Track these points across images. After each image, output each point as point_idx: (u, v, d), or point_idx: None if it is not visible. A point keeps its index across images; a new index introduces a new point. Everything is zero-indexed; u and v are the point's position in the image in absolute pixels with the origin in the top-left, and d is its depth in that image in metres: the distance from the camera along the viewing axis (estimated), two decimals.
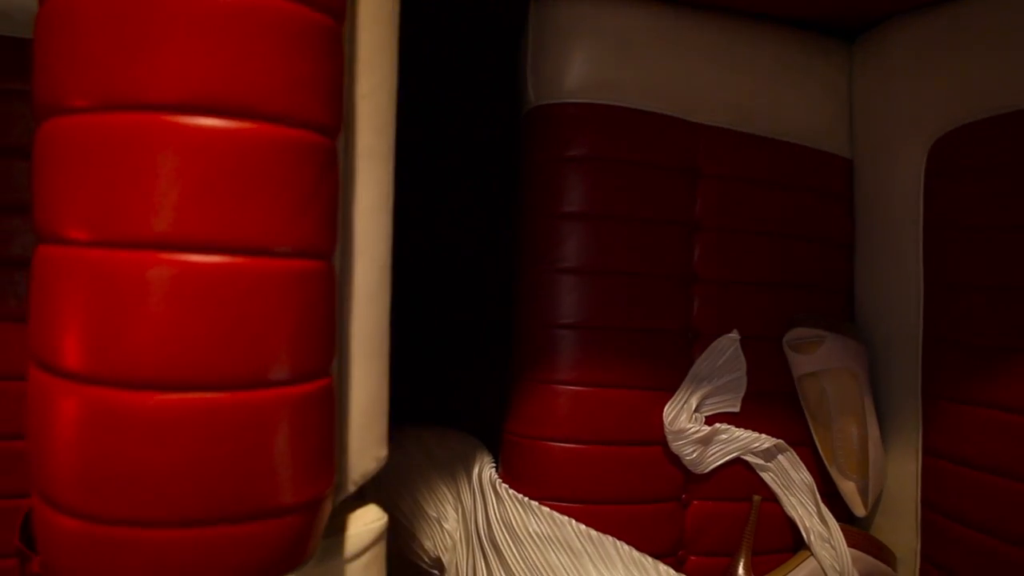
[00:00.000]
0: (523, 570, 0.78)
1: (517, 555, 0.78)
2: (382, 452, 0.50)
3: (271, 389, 0.39)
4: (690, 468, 0.82)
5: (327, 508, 0.44)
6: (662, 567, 0.78)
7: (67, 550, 0.39)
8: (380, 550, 0.50)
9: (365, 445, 0.49)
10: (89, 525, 0.38)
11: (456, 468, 0.89)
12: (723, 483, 0.84)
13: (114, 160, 0.36)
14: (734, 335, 0.84)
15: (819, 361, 0.82)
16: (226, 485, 0.38)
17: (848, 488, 0.86)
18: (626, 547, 0.78)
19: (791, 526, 0.86)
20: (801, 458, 0.85)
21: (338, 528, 0.48)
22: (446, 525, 0.90)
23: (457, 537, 0.88)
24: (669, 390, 0.82)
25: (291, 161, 0.39)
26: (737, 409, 0.84)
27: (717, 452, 0.82)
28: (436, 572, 0.91)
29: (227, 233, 0.37)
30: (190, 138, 0.36)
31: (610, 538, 0.78)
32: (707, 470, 0.83)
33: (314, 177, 0.40)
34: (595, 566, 0.77)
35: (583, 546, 0.77)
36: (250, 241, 0.37)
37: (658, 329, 0.83)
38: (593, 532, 0.78)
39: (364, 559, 0.49)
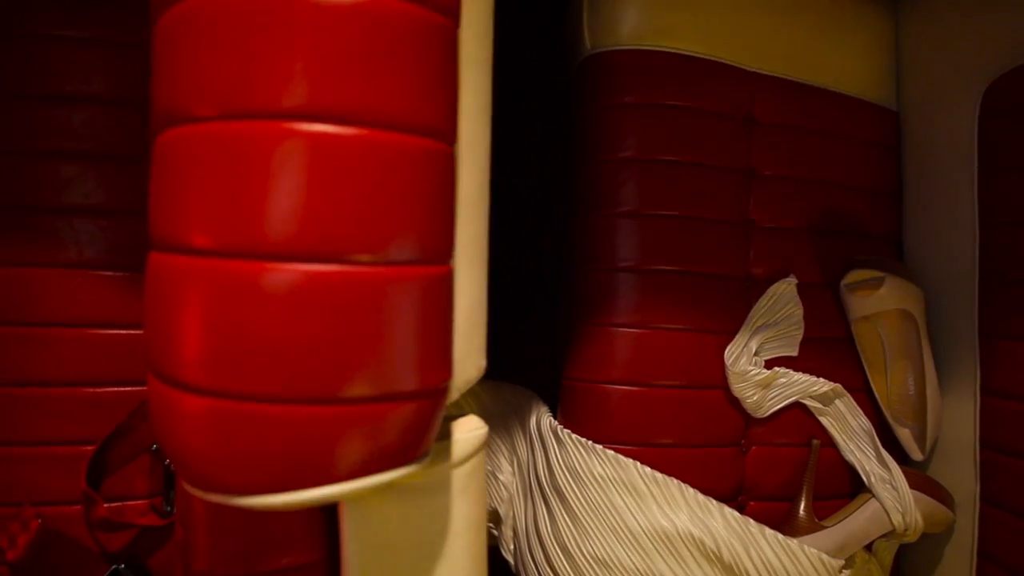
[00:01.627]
0: (587, 513, 0.78)
1: (581, 498, 0.78)
2: (483, 362, 0.50)
3: (400, 267, 0.38)
4: (750, 412, 0.82)
5: (444, 402, 0.43)
6: (727, 510, 0.78)
7: (195, 430, 0.38)
8: (481, 459, 0.49)
9: (468, 352, 0.48)
10: (218, 402, 0.37)
11: (510, 420, 0.89)
12: (782, 428, 0.84)
13: None
14: (791, 280, 0.84)
15: (878, 303, 0.83)
16: (355, 362, 0.38)
17: (904, 434, 0.86)
18: (691, 490, 0.78)
19: (849, 472, 0.86)
20: (858, 404, 0.85)
21: (443, 434, 0.48)
22: (501, 477, 0.89)
23: (513, 489, 0.88)
24: (728, 334, 0.82)
25: (421, 43, 0.39)
26: (795, 353, 0.84)
27: (776, 396, 0.82)
28: (491, 525, 0.91)
29: (361, 104, 0.37)
30: None
31: (675, 480, 0.78)
32: (766, 414, 0.82)
33: (441, 62, 0.40)
34: (660, 508, 0.77)
35: (648, 488, 0.77)
36: (384, 115, 0.37)
37: (716, 274, 0.83)
38: (658, 474, 0.77)
39: (468, 466, 0.48)
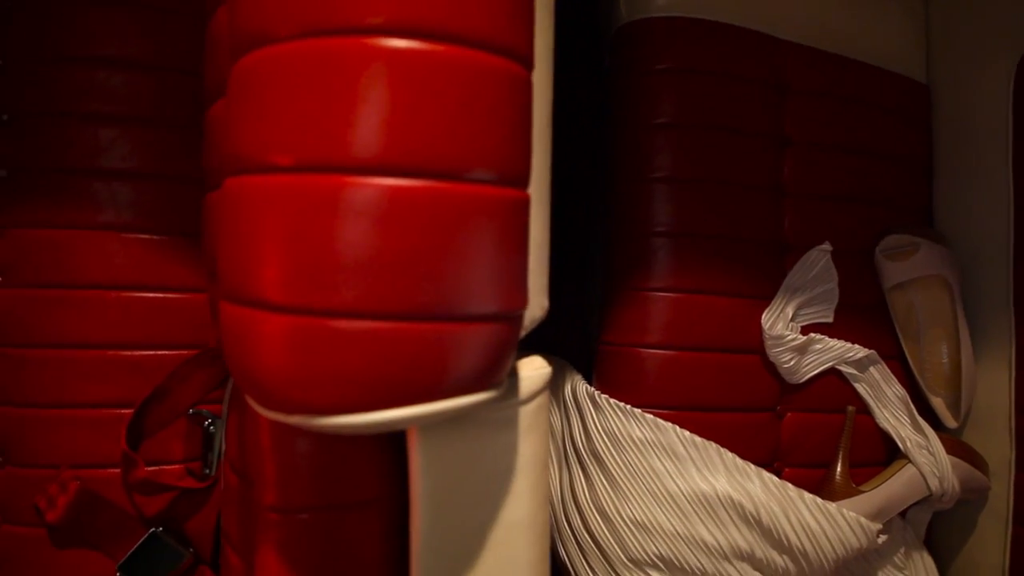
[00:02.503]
0: (626, 477, 0.78)
1: (620, 462, 0.78)
2: (546, 302, 0.50)
3: (482, 186, 0.39)
4: (786, 377, 0.82)
5: (520, 330, 0.43)
6: (765, 474, 0.78)
7: (276, 349, 0.38)
8: (546, 399, 0.49)
9: (535, 290, 0.48)
10: (300, 319, 0.37)
11: None
12: (817, 394, 0.84)
13: None
14: (826, 247, 0.84)
15: (913, 269, 0.83)
16: (437, 279, 0.38)
17: (937, 402, 0.86)
18: (729, 454, 0.78)
19: (884, 440, 0.86)
20: (892, 372, 0.85)
21: (510, 371, 0.48)
22: None
23: None
24: (764, 299, 0.83)
25: None
26: (830, 320, 0.84)
27: (812, 362, 0.83)
28: None
29: (447, 20, 0.37)
30: None
31: (714, 445, 0.78)
32: (802, 380, 0.83)
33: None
34: (699, 471, 0.77)
35: (687, 452, 0.77)
36: (471, 33, 0.37)
37: (751, 239, 0.83)
38: (697, 438, 0.77)
39: (535, 403, 0.48)
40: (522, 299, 0.42)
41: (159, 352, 0.77)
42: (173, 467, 0.78)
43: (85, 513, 0.74)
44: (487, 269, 0.39)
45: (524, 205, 0.41)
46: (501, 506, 0.47)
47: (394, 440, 0.47)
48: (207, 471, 0.76)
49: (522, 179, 0.41)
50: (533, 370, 0.48)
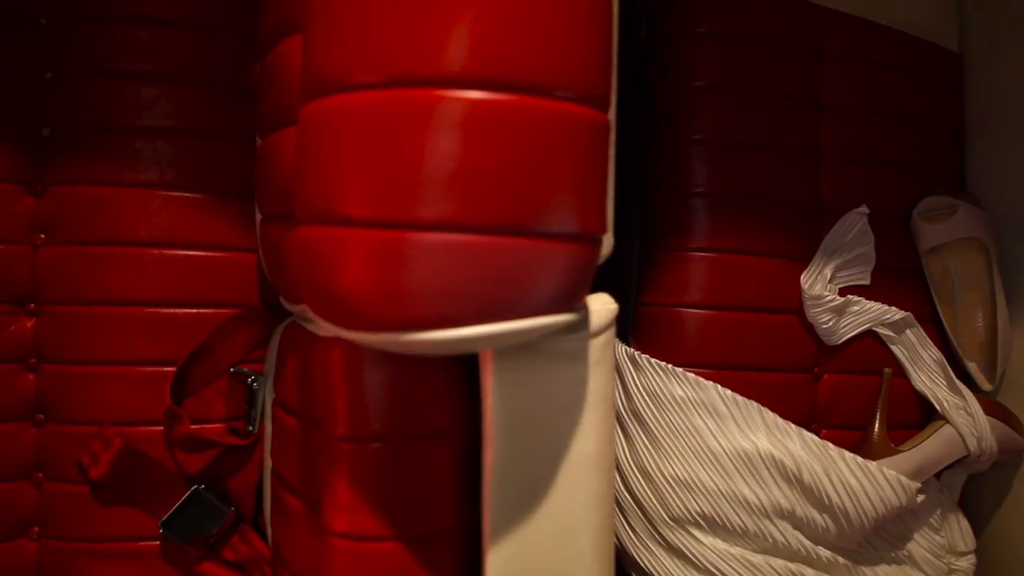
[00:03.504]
0: (667, 435, 0.78)
1: (661, 421, 0.78)
2: (612, 240, 0.50)
3: (567, 103, 0.39)
4: (823, 339, 0.83)
5: (599, 254, 0.44)
6: (806, 434, 0.79)
7: (361, 265, 0.38)
8: (612, 334, 0.50)
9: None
10: (385, 233, 0.37)
11: None
12: (854, 356, 0.84)
13: None
14: (862, 210, 0.84)
15: (950, 231, 0.83)
16: (525, 193, 0.38)
17: (972, 367, 0.87)
18: (770, 413, 0.78)
19: (919, 403, 0.86)
20: (928, 336, 0.86)
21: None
22: None
23: None
24: (802, 260, 0.83)
25: None
26: (867, 282, 0.84)
27: (850, 323, 0.83)
28: None
29: None
30: None
31: (755, 403, 0.78)
32: (840, 341, 0.83)
33: None
34: (740, 429, 0.77)
35: (728, 410, 0.77)
36: None
37: (789, 201, 0.83)
38: (738, 397, 0.78)
39: (603, 338, 0.49)
40: (603, 223, 0.42)
41: (201, 310, 0.77)
42: (215, 426, 0.78)
43: (128, 469, 0.74)
44: (572, 187, 0.40)
45: (606, 128, 0.42)
46: (570, 439, 0.47)
47: (465, 373, 0.47)
48: (250, 428, 0.76)
49: (604, 101, 0.41)
50: (601, 304, 0.48)
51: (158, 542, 0.77)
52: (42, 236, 0.75)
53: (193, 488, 0.75)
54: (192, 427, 0.75)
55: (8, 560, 0.74)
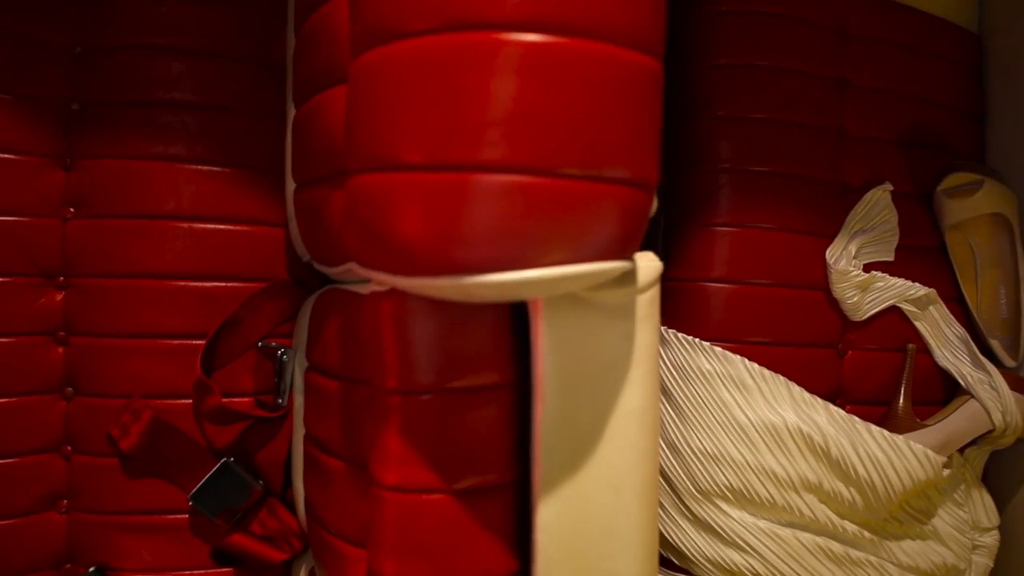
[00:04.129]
0: (694, 409, 0.78)
1: (688, 394, 0.78)
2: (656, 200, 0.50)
3: (625, 49, 0.39)
4: (848, 314, 0.83)
5: (652, 203, 0.44)
6: (832, 408, 0.79)
7: (425, 208, 0.38)
8: (658, 292, 0.50)
9: None
10: (446, 175, 0.38)
11: None
12: (879, 333, 0.85)
13: None
14: (886, 186, 0.85)
15: (973, 207, 0.84)
16: (584, 136, 0.38)
17: (995, 345, 0.87)
18: (797, 387, 0.79)
19: (943, 379, 0.87)
20: (952, 313, 0.86)
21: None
22: None
23: None
24: (826, 237, 0.83)
25: None
26: (891, 258, 0.85)
27: (874, 299, 0.83)
28: None
29: None
30: None
31: (781, 377, 0.78)
32: (864, 317, 0.83)
33: None
34: (767, 402, 0.78)
35: (755, 383, 0.78)
36: None
37: (813, 178, 0.84)
38: (765, 370, 0.78)
39: (650, 294, 0.49)
40: (656, 171, 0.43)
41: (229, 284, 0.77)
42: (243, 399, 0.78)
43: (157, 442, 0.74)
44: (629, 132, 0.40)
45: (660, 77, 0.42)
46: (619, 394, 0.47)
47: (514, 328, 0.48)
48: (279, 400, 0.76)
49: (659, 50, 0.42)
50: (648, 261, 0.49)
51: (187, 515, 0.77)
52: (71, 210, 0.75)
53: (222, 461, 0.75)
54: (222, 399, 0.75)
55: (37, 533, 0.74)
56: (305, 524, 0.72)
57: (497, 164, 0.37)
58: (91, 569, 0.74)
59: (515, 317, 0.48)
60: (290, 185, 0.71)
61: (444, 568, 0.45)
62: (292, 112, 0.69)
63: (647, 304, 0.49)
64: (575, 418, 0.46)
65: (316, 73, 0.55)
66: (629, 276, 0.47)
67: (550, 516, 0.45)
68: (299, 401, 0.74)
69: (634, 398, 0.48)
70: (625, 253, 0.42)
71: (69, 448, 0.76)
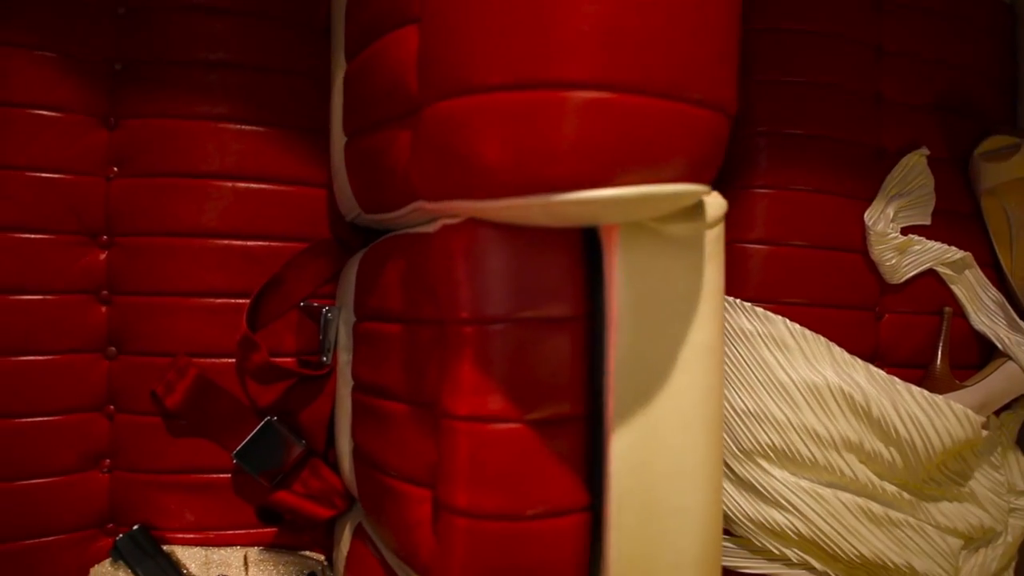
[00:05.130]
0: (735, 368, 0.78)
1: (729, 354, 0.79)
2: None
3: None
4: (886, 277, 0.83)
5: (730, 130, 0.44)
6: (872, 368, 0.79)
7: (514, 126, 0.39)
8: (723, 228, 0.50)
9: None
10: (536, 94, 0.38)
11: None
12: (915, 296, 0.85)
13: None
14: (923, 151, 0.85)
15: (1010, 170, 0.84)
16: (669, 55, 0.38)
17: None
18: (837, 348, 0.79)
19: (979, 343, 0.87)
20: (988, 279, 0.87)
21: None
22: None
23: None
24: (864, 200, 0.84)
25: None
26: (928, 222, 0.85)
27: (911, 262, 0.84)
28: None
29: None
30: None
31: (822, 338, 0.79)
32: (901, 280, 0.84)
33: None
34: (808, 362, 0.78)
35: (797, 343, 0.78)
36: None
37: (852, 141, 0.84)
38: (807, 331, 0.78)
39: (717, 230, 0.49)
40: (735, 99, 0.43)
41: (272, 243, 0.77)
42: (285, 360, 0.78)
43: (202, 400, 0.74)
44: (714, 56, 0.40)
45: (740, 4, 0.42)
46: (689, 328, 0.48)
47: (586, 261, 0.48)
48: (324, 359, 0.76)
49: None
50: (715, 199, 0.49)
51: (229, 475, 0.77)
52: (115, 169, 0.75)
53: (266, 419, 0.75)
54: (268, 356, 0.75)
55: (80, 492, 0.75)
56: (350, 483, 0.72)
57: (585, 81, 0.38)
58: (134, 527, 0.74)
59: (587, 249, 0.48)
60: (337, 142, 0.71)
61: (518, 499, 0.46)
62: (340, 68, 0.69)
63: (714, 240, 0.49)
64: (648, 351, 0.47)
65: (378, 18, 0.55)
66: (699, 210, 0.48)
67: (624, 447, 0.46)
68: (344, 359, 0.74)
69: (703, 333, 0.48)
70: (704, 178, 0.43)
71: (112, 407, 0.76)
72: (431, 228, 0.51)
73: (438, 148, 0.43)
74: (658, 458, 0.47)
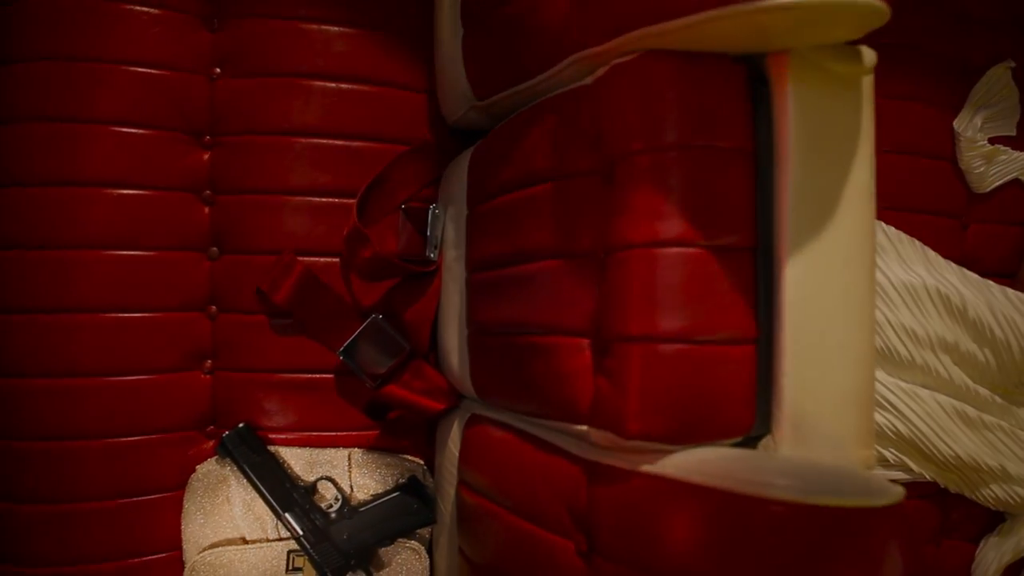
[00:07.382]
0: None
1: None
2: None
3: None
4: (972, 186, 0.85)
5: None
6: (966, 271, 0.80)
7: None
8: (873, 81, 0.50)
9: None
10: None
11: None
12: (1000, 206, 0.86)
13: None
14: (1008, 63, 0.86)
15: None
16: None
17: None
18: (931, 251, 0.80)
19: None
20: None
21: None
22: None
23: None
24: (950, 109, 0.85)
25: None
26: (1013, 132, 0.86)
27: (998, 171, 0.85)
28: None
29: None
30: None
31: (917, 240, 0.79)
32: (988, 189, 0.85)
33: None
34: (902, 262, 0.79)
35: (891, 243, 0.79)
36: None
37: (938, 52, 0.85)
38: (902, 233, 0.79)
39: (869, 79, 0.50)
40: None
41: (374, 143, 0.77)
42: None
43: (308, 296, 0.74)
44: None
45: None
46: (851, 166, 0.48)
47: (752, 98, 0.48)
48: (430, 255, 0.76)
49: None
50: (868, 49, 0.50)
51: (332, 375, 0.77)
52: (218, 70, 0.75)
53: (371, 317, 0.75)
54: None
55: (182, 392, 0.74)
56: (461, 378, 0.72)
57: None
58: (240, 425, 0.74)
59: (754, 85, 0.48)
60: (447, 41, 0.71)
61: (692, 322, 0.46)
62: None
63: (870, 87, 0.50)
64: (817, 185, 0.47)
65: None
66: (858, 53, 0.48)
67: (797, 277, 0.46)
68: (451, 255, 0.74)
69: (864, 173, 0.49)
70: None
71: (214, 308, 0.76)
72: (588, 80, 0.52)
73: None
74: (825, 292, 0.47)
